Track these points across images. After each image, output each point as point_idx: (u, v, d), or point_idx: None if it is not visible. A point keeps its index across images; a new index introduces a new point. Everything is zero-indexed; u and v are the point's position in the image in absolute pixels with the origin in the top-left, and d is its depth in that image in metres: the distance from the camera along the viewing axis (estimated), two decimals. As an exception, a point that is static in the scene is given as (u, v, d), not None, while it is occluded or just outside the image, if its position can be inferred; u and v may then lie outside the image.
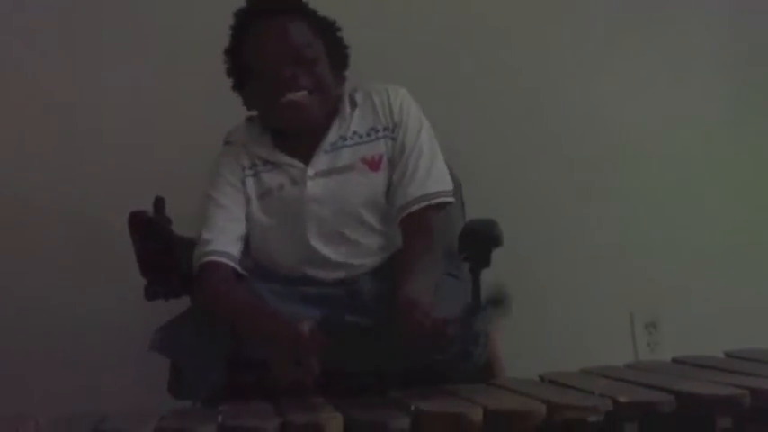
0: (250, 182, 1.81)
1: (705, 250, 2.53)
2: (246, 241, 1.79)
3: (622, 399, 1.29)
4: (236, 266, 1.74)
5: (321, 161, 1.78)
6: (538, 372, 1.55)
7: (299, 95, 1.74)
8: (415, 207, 1.73)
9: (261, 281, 1.72)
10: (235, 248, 1.75)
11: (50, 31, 2.36)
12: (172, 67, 2.38)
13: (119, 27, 2.38)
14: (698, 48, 2.63)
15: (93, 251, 2.29)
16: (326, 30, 1.83)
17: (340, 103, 1.82)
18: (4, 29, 2.34)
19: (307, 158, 1.78)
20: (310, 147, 1.79)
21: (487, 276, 2.00)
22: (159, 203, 1.81)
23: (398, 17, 2.45)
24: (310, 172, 1.77)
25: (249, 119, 1.89)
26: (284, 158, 1.80)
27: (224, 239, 1.75)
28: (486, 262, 1.99)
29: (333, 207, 1.74)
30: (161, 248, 1.81)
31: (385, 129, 1.80)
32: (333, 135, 1.80)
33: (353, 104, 1.82)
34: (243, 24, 1.81)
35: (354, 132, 1.80)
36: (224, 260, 1.73)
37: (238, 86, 1.85)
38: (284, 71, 1.72)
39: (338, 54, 1.84)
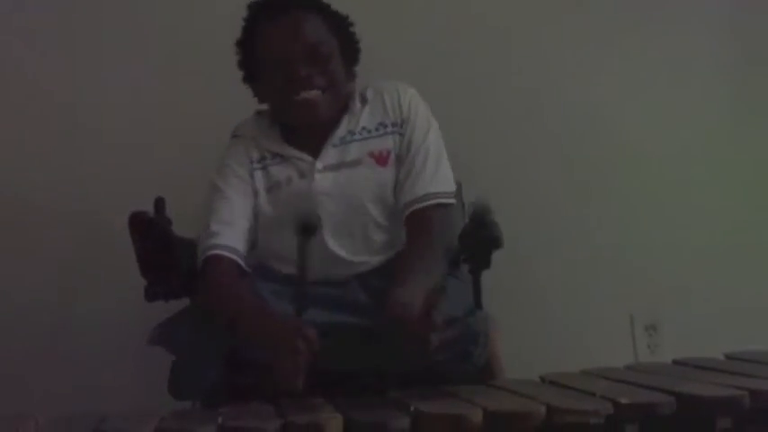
0: (258, 175, 1.81)
1: (705, 251, 2.53)
2: (252, 238, 1.79)
3: (623, 400, 1.29)
4: (242, 263, 1.74)
5: (330, 155, 1.79)
6: (538, 372, 1.55)
7: (313, 94, 1.75)
8: (420, 205, 1.74)
9: (262, 280, 1.72)
10: (241, 244, 1.76)
11: (50, 30, 2.36)
12: (172, 67, 2.38)
13: (119, 27, 2.38)
14: (698, 48, 2.63)
15: (93, 251, 2.29)
16: (340, 25, 1.83)
17: (350, 99, 1.83)
18: (4, 29, 2.34)
19: (315, 152, 1.79)
20: (319, 141, 1.80)
21: (488, 277, 2.01)
22: (159, 204, 1.81)
23: (398, 17, 2.45)
24: (319, 165, 1.78)
25: (258, 112, 1.90)
26: (293, 152, 1.81)
27: (231, 234, 1.75)
28: (486, 263, 1.99)
29: (340, 201, 1.75)
30: (161, 249, 1.81)
31: (393, 124, 1.81)
32: (342, 130, 1.81)
33: (364, 101, 1.84)
34: (257, 17, 1.81)
35: (363, 128, 1.81)
36: (230, 255, 1.73)
37: (249, 79, 1.85)
38: (299, 69, 1.73)
39: (350, 49, 1.85)
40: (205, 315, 1.64)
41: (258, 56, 1.80)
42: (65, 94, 2.35)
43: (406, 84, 1.87)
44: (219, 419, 1.24)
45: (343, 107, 1.82)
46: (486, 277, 2.00)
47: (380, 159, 1.79)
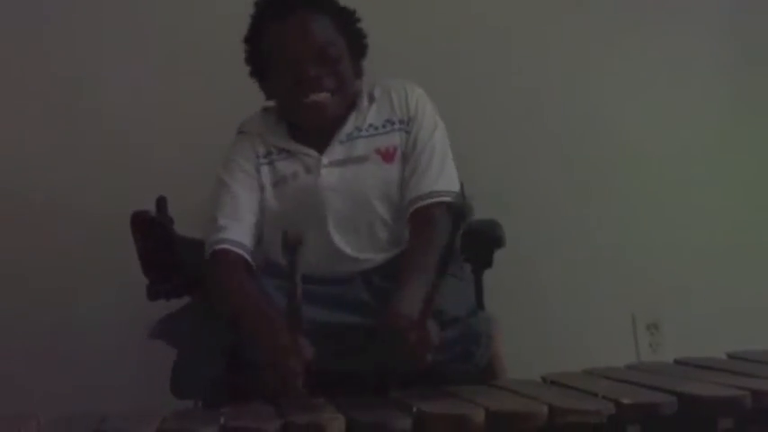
0: (265, 170, 1.82)
1: (706, 250, 2.53)
2: (258, 233, 1.79)
3: (625, 401, 1.29)
4: (248, 257, 1.74)
5: (336, 151, 1.79)
6: (539, 372, 1.55)
7: (322, 96, 1.76)
8: (424, 203, 1.74)
9: (266, 276, 1.72)
10: (248, 239, 1.76)
11: (50, 30, 2.36)
12: (172, 67, 2.38)
13: (119, 27, 2.37)
14: (698, 47, 2.63)
15: (94, 251, 2.29)
16: (347, 22, 1.83)
17: (358, 96, 1.84)
18: (4, 28, 2.34)
19: (322, 148, 1.80)
20: (326, 137, 1.80)
21: (489, 277, 2.01)
22: (161, 203, 1.81)
23: (398, 17, 2.45)
24: (325, 160, 1.78)
25: (264, 109, 1.90)
26: (299, 147, 1.81)
27: (238, 229, 1.75)
28: (488, 263, 1.99)
29: (346, 196, 1.76)
30: (163, 248, 1.81)
31: (400, 122, 1.81)
32: (349, 126, 1.81)
33: (371, 99, 1.84)
34: (264, 14, 1.81)
35: (370, 125, 1.82)
36: (236, 249, 1.73)
37: (257, 75, 1.85)
38: (308, 70, 1.74)
39: (358, 46, 1.85)
40: (207, 311, 1.64)
41: (266, 54, 1.80)
42: (65, 93, 2.35)
43: (414, 83, 1.87)
44: (221, 420, 1.24)
45: (350, 105, 1.82)
46: (488, 277, 2.01)
47: (387, 156, 1.79)
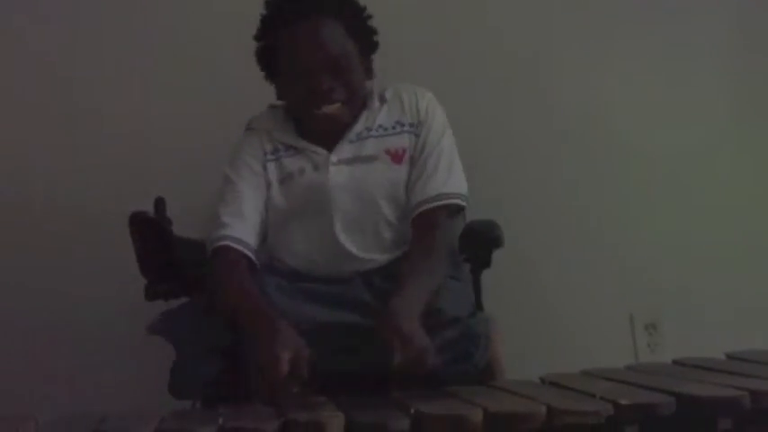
0: (271, 166, 1.82)
1: (704, 251, 2.52)
2: (263, 232, 1.79)
3: (623, 401, 1.29)
4: (251, 255, 1.74)
5: (345, 149, 1.80)
6: (537, 373, 1.55)
7: (334, 108, 1.76)
8: (430, 205, 1.75)
9: (268, 274, 1.72)
10: (251, 238, 1.76)
11: (50, 30, 2.36)
12: (172, 67, 2.37)
13: (119, 27, 2.37)
14: (700, 45, 2.62)
15: (93, 251, 2.28)
16: (359, 22, 1.83)
17: (369, 97, 1.84)
18: (4, 28, 2.34)
19: (331, 146, 1.80)
20: (335, 136, 1.81)
21: (488, 277, 2.01)
22: (160, 204, 1.81)
23: (397, 16, 2.44)
24: (333, 159, 1.79)
25: (272, 106, 1.90)
26: (307, 145, 1.81)
27: (241, 227, 1.75)
28: (486, 263, 2.00)
29: (354, 195, 1.76)
30: (161, 248, 1.81)
31: (410, 125, 1.82)
32: (359, 126, 1.82)
33: (383, 100, 1.85)
34: (275, 16, 1.80)
35: (380, 125, 1.82)
36: (238, 247, 1.73)
37: (266, 71, 1.85)
38: (322, 82, 1.74)
39: (369, 44, 1.85)
40: (207, 308, 1.64)
41: (277, 56, 1.80)
42: (65, 94, 2.35)
43: (424, 88, 1.88)
44: (220, 420, 1.24)
45: (360, 106, 1.83)
46: (486, 277, 2.01)
47: (396, 157, 1.79)
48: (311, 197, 1.77)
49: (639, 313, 2.56)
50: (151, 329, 1.63)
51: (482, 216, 1.99)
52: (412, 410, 1.27)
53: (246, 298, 1.62)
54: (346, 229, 1.76)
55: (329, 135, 1.80)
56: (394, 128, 1.82)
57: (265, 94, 1.89)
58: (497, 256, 2.01)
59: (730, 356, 1.67)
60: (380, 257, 1.77)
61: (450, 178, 1.78)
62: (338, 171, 1.78)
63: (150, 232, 1.80)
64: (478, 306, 1.91)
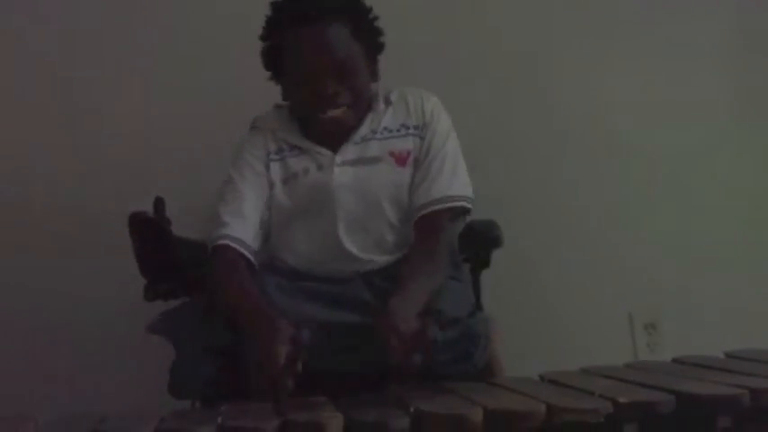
0: (275, 166, 1.82)
1: (704, 250, 2.53)
2: (264, 232, 1.79)
3: (622, 399, 1.29)
4: (250, 256, 1.74)
5: (349, 151, 1.80)
6: (537, 371, 1.55)
7: (339, 112, 1.76)
8: (433, 208, 1.75)
9: (268, 274, 1.72)
10: (251, 238, 1.76)
11: (50, 30, 2.36)
12: (172, 68, 2.37)
13: (119, 27, 2.37)
14: (700, 45, 2.62)
15: (93, 251, 2.28)
16: (364, 24, 1.82)
17: (374, 99, 1.84)
18: (4, 28, 2.34)
19: (335, 147, 1.80)
20: (340, 138, 1.81)
21: (488, 276, 2.01)
22: (159, 204, 1.81)
23: (396, 16, 2.44)
24: (338, 159, 1.79)
25: (277, 105, 1.90)
26: (312, 145, 1.81)
27: (241, 227, 1.75)
28: (486, 263, 2.00)
29: (358, 196, 1.76)
30: (160, 249, 1.81)
31: (415, 127, 1.82)
32: (364, 128, 1.82)
33: (388, 103, 1.85)
34: (281, 18, 1.79)
35: (385, 128, 1.83)
36: (237, 246, 1.73)
37: (271, 70, 1.84)
38: (327, 87, 1.74)
39: (375, 45, 1.85)
40: (206, 308, 1.64)
41: (284, 59, 1.80)
42: (64, 94, 2.35)
43: (429, 92, 1.88)
44: (219, 419, 1.24)
45: (366, 108, 1.83)
46: (486, 277, 2.01)
47: (400, 159, 1.80)
48: (315, 197, 1.77)
49: (639, 313, 2.56)
50: (151, 329, 1.63)
51: (482, 216, 1.99)
52: (412, 409, 1.27)
53: (246, 297, 1.62)
54: (349, 229, 1.76)
55: (334, 137, 1.80)
56: (399, 130, 1.82)
57: (266, 94, 1.89)
58: (497, 255, 2.01)
59: (729, 355, 1.67)
60: (381, 259, 1.77)
61: (454, 181, 1.78)
62: (342, 172, 1.78)
63: (150, 232, 1.80)
64: (478, 306, 1.91)
